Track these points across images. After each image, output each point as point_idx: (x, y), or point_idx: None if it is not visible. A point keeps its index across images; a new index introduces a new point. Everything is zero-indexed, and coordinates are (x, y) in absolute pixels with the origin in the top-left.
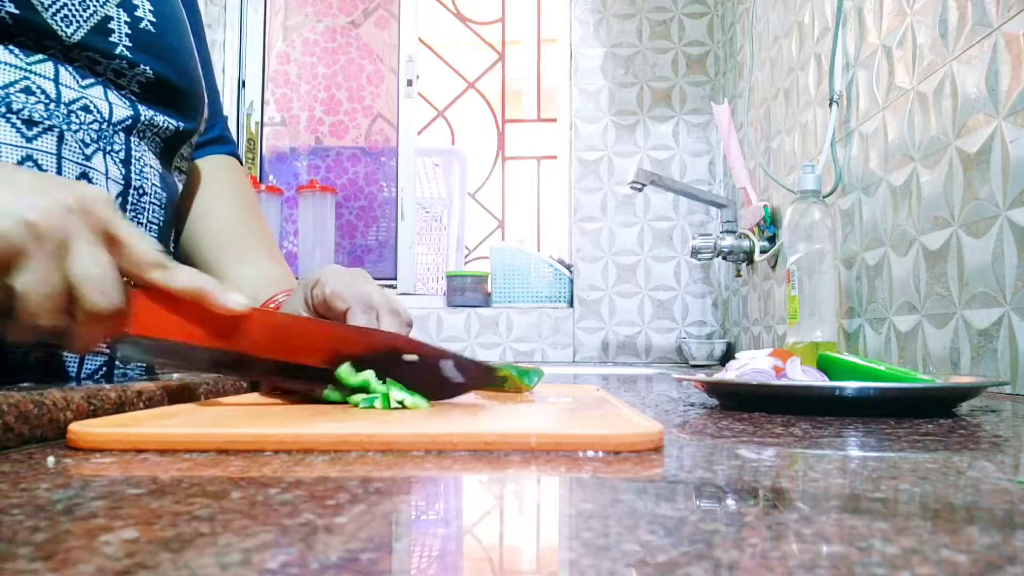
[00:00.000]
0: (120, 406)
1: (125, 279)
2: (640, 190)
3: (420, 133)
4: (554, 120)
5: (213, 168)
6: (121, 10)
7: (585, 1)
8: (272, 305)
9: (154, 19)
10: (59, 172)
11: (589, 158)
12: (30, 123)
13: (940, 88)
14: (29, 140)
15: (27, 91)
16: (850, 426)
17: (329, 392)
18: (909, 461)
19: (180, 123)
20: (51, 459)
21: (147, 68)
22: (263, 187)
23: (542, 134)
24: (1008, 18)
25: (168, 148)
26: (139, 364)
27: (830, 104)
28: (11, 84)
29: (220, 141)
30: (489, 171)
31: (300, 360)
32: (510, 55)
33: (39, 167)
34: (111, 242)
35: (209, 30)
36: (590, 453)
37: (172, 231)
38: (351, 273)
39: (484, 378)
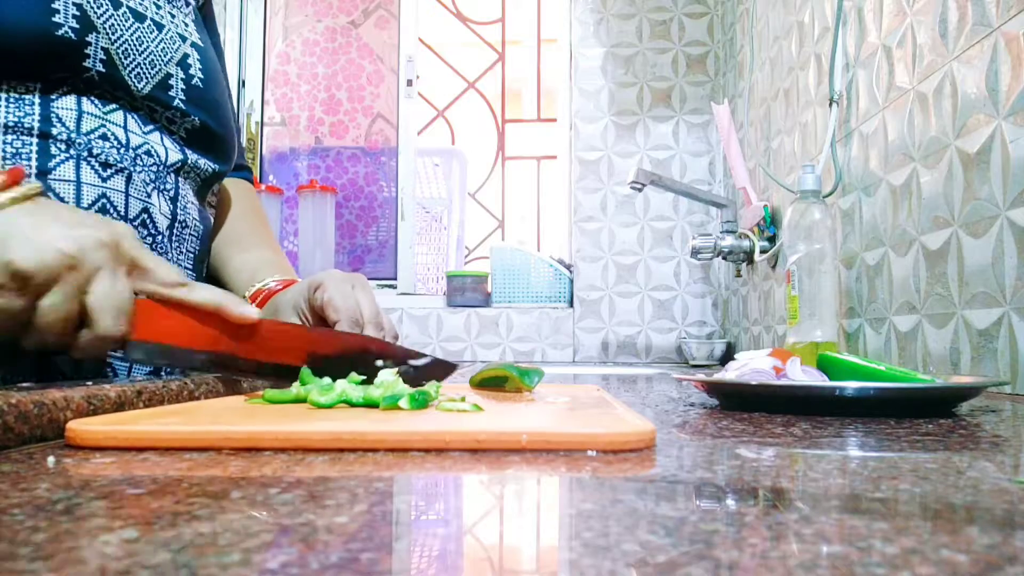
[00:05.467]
0: (120, 406)
1: (143, 295)
2: (640, 190)
3: (420, 133)
4: (554, 120)
5: (232, 188)
6: (179, 68)
7: (585, 1)
8: (273, 285)
9: (203, 76)
10: (126, 208)
11: (589, 158)
12: (105, 165)
13: (940, 88)
14: (104, 180)
15: (104, 137)
16: (850, 426)
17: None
18: (909, 461)
19: (217, 165)
20: (51, 459)
21: (195, 118)
22: (263, 187)
23: (542, 134)
24: (1008, 18)
25: (204, 186)
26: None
27: (830, 104)
28: (92, 131)
29: (239, 168)
30: (489, 171)
31: (281, 360)
32: (510, 55)
33: (111, 203)
34: (137, 270)
35: None
36: (590, 452)
37: (207, 258)
38: (350, 281)
39: (443, 373)
